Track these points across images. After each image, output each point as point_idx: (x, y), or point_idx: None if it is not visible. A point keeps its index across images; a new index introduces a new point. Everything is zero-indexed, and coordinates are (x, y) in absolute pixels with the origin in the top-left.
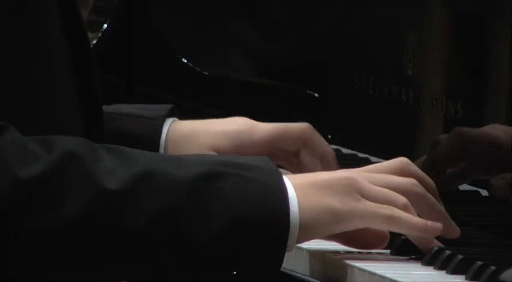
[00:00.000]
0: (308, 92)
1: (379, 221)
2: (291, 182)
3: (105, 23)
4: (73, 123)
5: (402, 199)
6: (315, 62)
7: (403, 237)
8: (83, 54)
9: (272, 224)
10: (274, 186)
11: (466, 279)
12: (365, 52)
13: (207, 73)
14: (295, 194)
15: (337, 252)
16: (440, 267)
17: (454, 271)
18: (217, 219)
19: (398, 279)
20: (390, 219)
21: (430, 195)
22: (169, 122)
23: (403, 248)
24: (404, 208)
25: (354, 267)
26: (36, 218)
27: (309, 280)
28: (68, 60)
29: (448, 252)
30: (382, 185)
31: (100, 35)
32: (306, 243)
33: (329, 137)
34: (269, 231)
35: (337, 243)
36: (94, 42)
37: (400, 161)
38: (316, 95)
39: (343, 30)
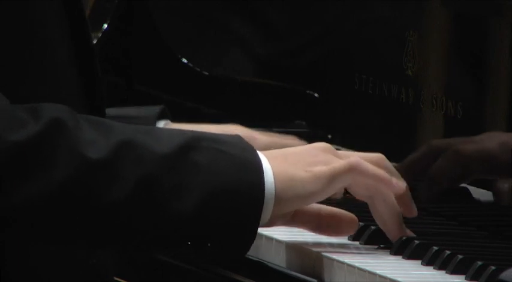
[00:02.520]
0: (308, 92)
1: (342, 174)
2: (264, 156)
3: (105, 23)
4: None
5: (375, 154)
6: (315, 62)
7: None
8: (86, 55)
9: (247, 196)
10: (249, 159)
11: (466, 279)
12: (365, 52)
13: (207, 73)
14: (270, 166)
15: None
16: (440, 267)
17: (454, 271)
18: (193, 192)
19: (399, 279)
20: (351, 168)
21: (396, 172)
22: (161, 124)
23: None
24: (378, 160)
25: (354, 267)
26: (25, 182)
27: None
28: (73, 61)
29: (448, 252)
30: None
31: (100, 35)
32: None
33: (329, 137)
34: (244, 203)
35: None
36: (94, 42)
37: (377, 155)
38: (316, 95)
39: (343, 30)
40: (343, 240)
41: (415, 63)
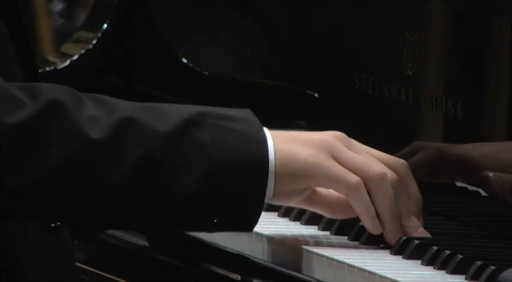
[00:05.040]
0: (308, 92)
1: (341, 186)
2: (270, 134)
3: (105, 23)
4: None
5: (377, 168)
6: (315, 62)
7: (410, 239)
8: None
9: (250, 171)
10: (254, 133)
11: (465, 279)
12: (365, 52)
13: (207, 73)
14: (273, 144)
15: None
16: (440, 267)
17: (454, 271)
18: (195, 169)
19: (399, 279)
20: (350, 189)
21: (413, 182)
22: None
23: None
24: (376, 177)
25: (354, 266)
26: (22, 166)
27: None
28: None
29: (448, 252)
30: (363, 154)
31: (100, 35)
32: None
33: None
34: (248, 180)
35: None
36: (94, 42)
37: (399, 160)
38: (316, 95)
39: (343, 30)
40: (342, 239)
41: (415, 63)
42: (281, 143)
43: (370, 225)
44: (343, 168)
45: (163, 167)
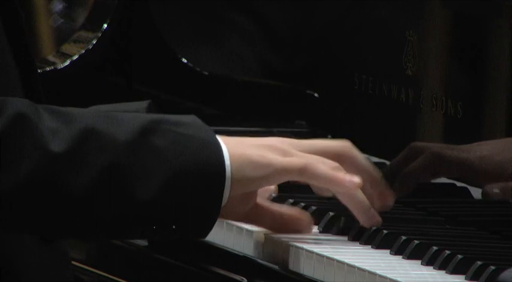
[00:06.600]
0: (308, 92)
1: (294, 172)
2: (220, 138)
3: (105, 23)
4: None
5: (329, 162)
6: (315, 62)
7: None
8: (22, 48)
9: (209, 176)
10: (207, 140)
11: (465, 279)
12: (365, 52)
13: (207, 73)
14: (226, 149)
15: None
16: (440, 267)
17: (454, 271)
18: (155, 177)
19: (399, 279)
20: (303, 169)
21: (361, 158)
22: None
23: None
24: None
25: (354, 266)
26: None
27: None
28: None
29: (447, 252)
30: (310, 150)
31: (100, 35)
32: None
33: (329, 137)
34: (206, 184)
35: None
36: (94, 42)
37: (342, 144)
38: (316, 95)
39: (344, 30)
40: (342, 239)
41: (415, 63)
42: (234, 147)
43: (341, 189)
44: (292, 158)
45: (125, 176)
